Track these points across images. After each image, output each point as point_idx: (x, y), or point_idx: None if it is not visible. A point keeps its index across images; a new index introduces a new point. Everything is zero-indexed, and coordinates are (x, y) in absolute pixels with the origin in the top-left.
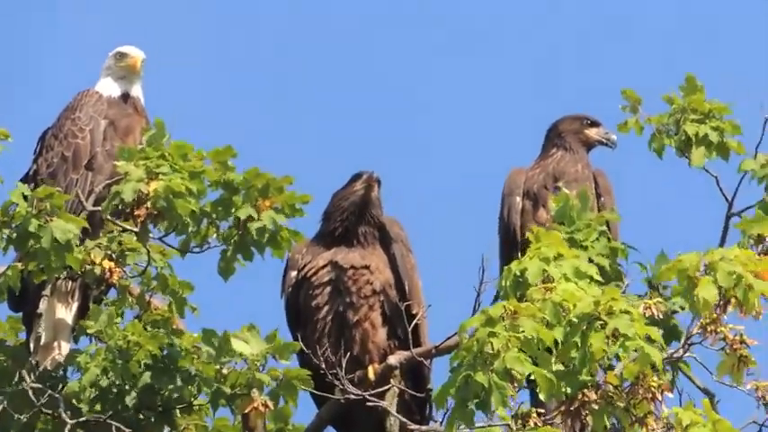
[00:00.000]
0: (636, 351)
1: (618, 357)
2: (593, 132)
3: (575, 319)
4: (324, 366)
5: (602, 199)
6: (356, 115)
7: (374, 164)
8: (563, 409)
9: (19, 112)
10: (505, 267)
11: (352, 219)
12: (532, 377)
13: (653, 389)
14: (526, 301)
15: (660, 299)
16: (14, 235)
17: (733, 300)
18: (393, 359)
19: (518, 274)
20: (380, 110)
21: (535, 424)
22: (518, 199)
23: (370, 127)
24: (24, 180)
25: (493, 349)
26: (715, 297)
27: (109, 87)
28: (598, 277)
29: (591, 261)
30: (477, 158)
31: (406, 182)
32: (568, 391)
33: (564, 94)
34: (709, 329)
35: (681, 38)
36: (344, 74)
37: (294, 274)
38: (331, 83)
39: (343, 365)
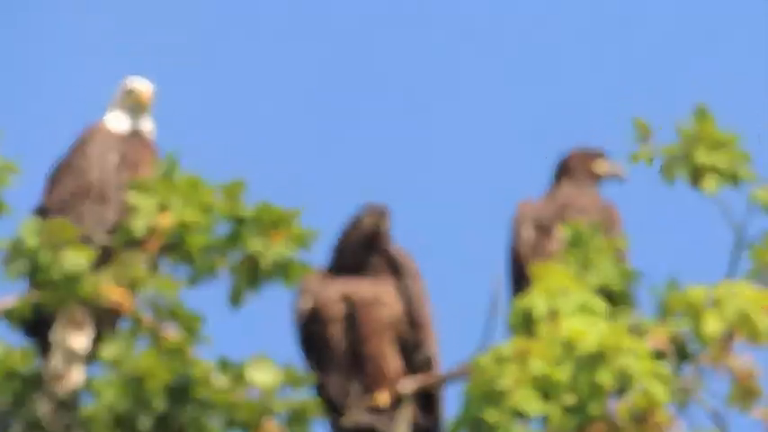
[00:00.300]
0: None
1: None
2: (602, 166)
3: (581, 356)
4: (337, 395)
5: (613, 229)
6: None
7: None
8: None
9: (19, 112)
10: (514, 302)
11: (362, 252)
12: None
13: (662, 422)
14: (534, 336)
15: (668, 328)
16: (26, 266)
17: (738, 333)
18: (404, 387)
19: (525, 309)
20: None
21: None
22: (526, 231)
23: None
24: (36, 213)
25: (503, 387)
26: (719, 332)
27: (118, 121)
28: (602, 312)
29: (600, 290)
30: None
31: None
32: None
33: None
34: (716, 361)
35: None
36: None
37: (306, 305)
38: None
39: (357, 394)
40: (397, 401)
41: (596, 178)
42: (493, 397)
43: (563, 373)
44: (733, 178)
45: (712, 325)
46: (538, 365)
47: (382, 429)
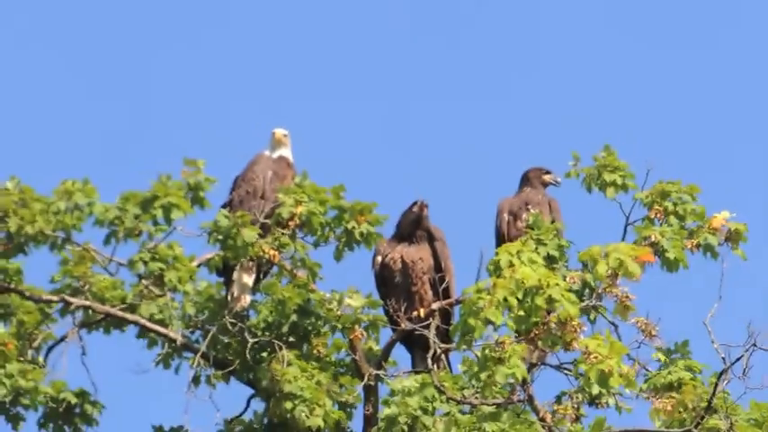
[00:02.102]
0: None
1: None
2: (547, 177)
3: (527, 287)
4: (397, 312)
5: (553, 215)
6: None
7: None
8: (524, 337)
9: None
10: (491, 258)
11: (411, 229)
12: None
13: (575, 326)
14: (501, 278)
15: (579, 272)
16: (220, 237)
17: (619, 273)
18: (434, 306)
19: (496, 261)
20: None
21: (509, 345)
22: (505, 215)
23: None
24: (224, 206)
25: (480, 305)
26: (605, 272)
27: (272, 152)
28: (542, 262)
29: (548, 254)
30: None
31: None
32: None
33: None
34: (608, 289)
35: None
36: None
37: (379, 259)
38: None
39: (407, 311)
40: (430, 315)
41: (545, 185)
42: (473, 312)
43: (517, 298)
44: (624, 188)
45: (602, 268)
46: (501, 293)
47: (419, 330)
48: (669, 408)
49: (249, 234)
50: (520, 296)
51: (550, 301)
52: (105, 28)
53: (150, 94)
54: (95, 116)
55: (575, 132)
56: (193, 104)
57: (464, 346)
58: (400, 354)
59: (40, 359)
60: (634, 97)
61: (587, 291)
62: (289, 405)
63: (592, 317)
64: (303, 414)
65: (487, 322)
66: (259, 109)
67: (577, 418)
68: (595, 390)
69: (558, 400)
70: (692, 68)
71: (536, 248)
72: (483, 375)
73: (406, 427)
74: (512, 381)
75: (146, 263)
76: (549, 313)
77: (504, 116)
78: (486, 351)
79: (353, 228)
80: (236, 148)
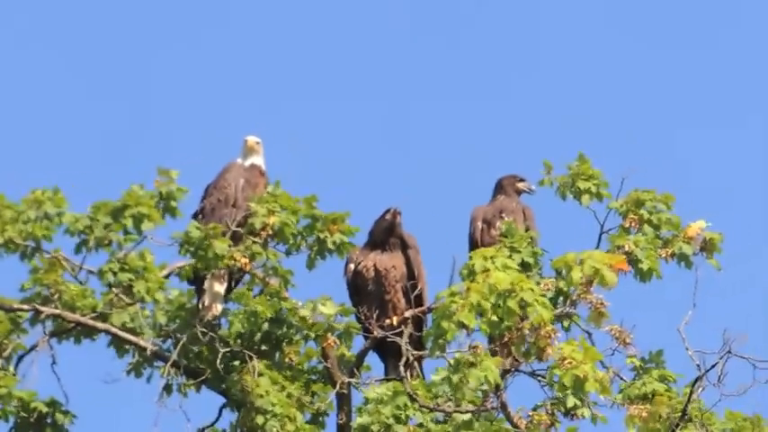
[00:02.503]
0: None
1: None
2: (521, 185)
3: (500, 291)
4: (369, 320)
5: (528, 223)
6: None
7: None
8: (497, 342)
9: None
10: (465, 264)
11: (384, 236)
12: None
13: (549, 331)
14: (475, 282)
15: (553, 279)
16: (191, 249)
17: (593, 281)
18: (407, 313)
19: (470, 266)
20: None
21: (481, 352)
22: (479, 223)
23: None
24: (195, 216)
25: (452, 309)
26: (580, 279)
27: (243, 160)
28: (517, 267)
29: (522, 261)
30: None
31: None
32: (500, 332)
33: None
34: (582, 296)
35: None
36: None
37: (352, 266)
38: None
39: (379, 319)
40: (403, 323)
41: (519, 192)
42: (446, 315)
43: (489, 302)
44: (598, 196)
45: (576, 275)
46: (474, 297)
47: (391, 337)
48: (645, 414)
49: (221, 246)
50: (493, 300)
51: (523, 305)
52: (103, 27)
53: (147, 94)
54: (89, 118)
55: (562, 135)
56: (192, 104)
57: (437, 352)
58: (374, 362)
59: (11, 369)
60: (624, 100)
61: (561, 299)
62: (260, 419)
63: (566, 324)
64: (274, 429)
65: (461, 325)
66: (258, 109)
67: (552, 424)
68: (570, 402)
69: (534, 410)
70: (676, 71)
71: (510, 255)
72: (455, 378)
73: None
74: (485, 387)
75: (115, 273)
76: (522, 320)
77: (492, 117)
78: (459, 356)
79: (326, 237)
80: (233, 148)
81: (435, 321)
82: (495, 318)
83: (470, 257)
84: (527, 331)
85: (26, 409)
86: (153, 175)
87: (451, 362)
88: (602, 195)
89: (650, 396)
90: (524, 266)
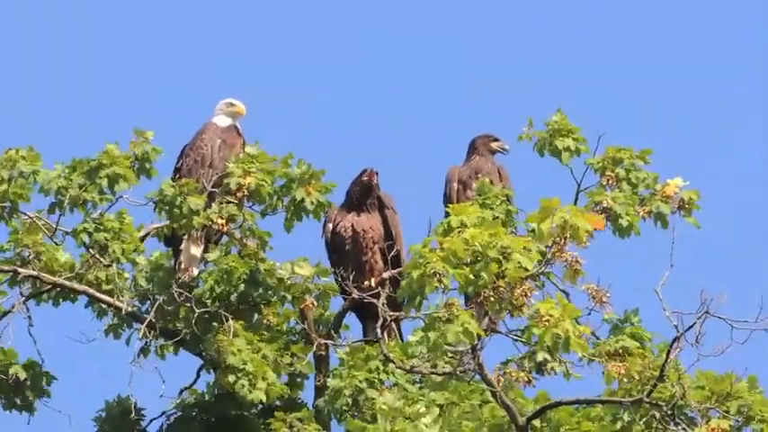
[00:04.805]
0: (518, 264)
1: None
2: (495, 144)
3: (479, 247)
4: (347, 281)
5: (503, 183)
6: None
7: None
8: (473, 302)
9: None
10: (441, 221)
11: (361, 197)
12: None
13: (525, 289)
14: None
15: (528, 238)
16: (166, 207)
17: (567, 235)
18: (385, 274)
19: (447, 222)
20: None
21: (457, 309)
22: (455, 184)
23: None
24: (173, 176)
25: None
26: (549, 232)
27: (221, 121)
28: (491, 220)
29: (496, 217)
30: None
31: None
32: (476, 289)
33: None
34: (557, 254)
35: None
36: None
37: (330, 226)
38: None
39: (357, 280)
40: (380, 284)
41: (493, 152)
42: (418, 265)
43: (464, 256)
44: (577, 152)
45: (545, 225)
46: (449, 248)
47: (368, 298)
48: (623, 371)
49: (195, 202)
50: (469, 256)
51: (504, 253)
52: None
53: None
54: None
55: (528, 96)
56: (192, 104)
57: (413, 310)
58: (353, 323)
59: None
60: (590, 61)
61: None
62: (231, 378)
63: (539, 284)
64: (245, 388)
65: (434, 276)
66: (233, 72)
67: (529, 381)
68: (540, 356)
69: (505, 365)
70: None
71: (482, 212)
72: (432, 336)
73: (350, 400)
74: (463, 346)
75: (90, 234)
76: (498, 277)
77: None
78: (434, 314)
79: (302, 197)
80: (188, 114)
81: (408, 273)
82: (471, 276)
83: (447, 215)
84: (503, 288)
85: (4, 372)
86: (128, 136)
87: (427, 321)
88: (580, 151)
89: (622, 353)
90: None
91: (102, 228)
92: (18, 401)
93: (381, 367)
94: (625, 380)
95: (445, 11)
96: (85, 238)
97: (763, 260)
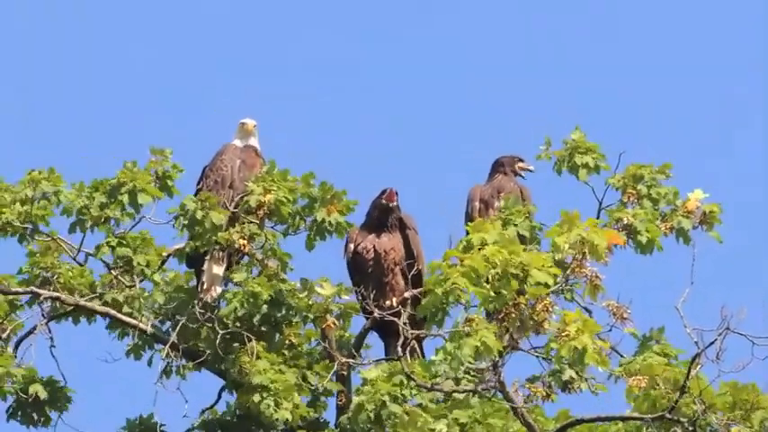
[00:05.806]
0: (538, 281)
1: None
2: (521, 165)
3: (499, 265)
4: (368, 300)
5: (525, 202)
6: None
7: None
8: (494, 320)
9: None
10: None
11: (382, 217)
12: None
13: (546, 305)
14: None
15: (550, 254)
16: (186, 221)
17: (586, 251)
18: (407, 294)
19: (467, 240)
20: None
21: (476, 324)
22: (476, 203)
23: None
24: (194, 195)
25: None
26: (566, 247)
27: (239, 142)
28: (514, 238)
29: (519, 234)
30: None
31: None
32: (497, 306)
33: None
34: (576, 270)
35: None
36: None
37: (352, 246)
38: None
39: (379, 300)
40: (402, 303)
41: (517, 173)
42: (439, 282)
43: (484, 272)
44: (596, 170)
45: (561, 240)
46: (469, 265)
47: (390, 317)
48: (644, 384)
49: (217, 216)
50: (491, 272)
51: (524, 271)
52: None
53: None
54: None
55: (529, 96)
56: (192, 104)
57: (434, 327)
58: (375, 342)
59: (9, 349)
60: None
61: (558, 277)
62: (256, 398)
63: (568, 296)
64: (270, 407)
65: (455, 293)
66: (248, 92)
67: (548, 396)
68: (567, 375)
69: (532, 382)
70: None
71: (504, 227)
72: (449, 346)
73: (372, 414)
74: (484, 363)
75: (113, 248)
76: (519, 294)
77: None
78: (456, 327)
79: (324, 219)
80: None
81: (429, 290)
82: (491, 293)
83: (467, 232)
84: (523, 305)
85: (24, 390)
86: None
87: (448, 338)
88: (599, 168)
89: (647, 371)
90: (521, 239)
91: (124, 242)
92: (36, 417)
93: (405, 382)
94: (651, 390)
95: (445, 11)
96: (108, 252)
97: (764, 260)
